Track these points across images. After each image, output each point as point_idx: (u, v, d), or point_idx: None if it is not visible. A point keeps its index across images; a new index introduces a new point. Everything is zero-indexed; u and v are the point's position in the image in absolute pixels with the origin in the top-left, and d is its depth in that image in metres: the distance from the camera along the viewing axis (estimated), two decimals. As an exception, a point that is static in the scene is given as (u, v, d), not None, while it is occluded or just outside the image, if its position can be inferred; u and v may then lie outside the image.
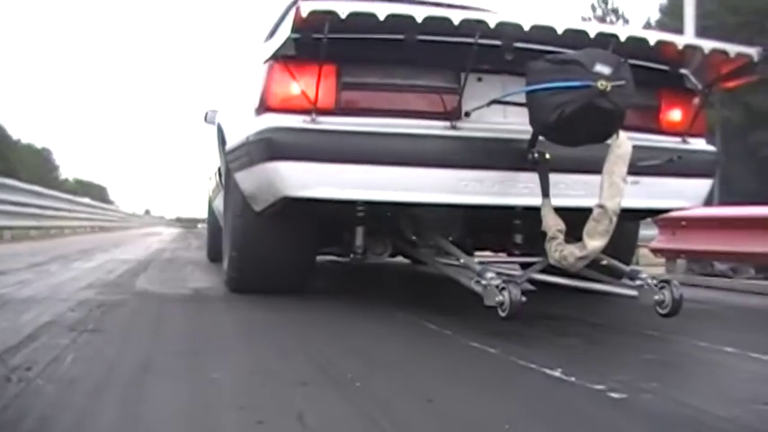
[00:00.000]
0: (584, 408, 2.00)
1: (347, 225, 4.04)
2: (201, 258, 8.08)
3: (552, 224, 3.23)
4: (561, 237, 3.20)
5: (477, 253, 4.37)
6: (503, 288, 2.94)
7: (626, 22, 47.91)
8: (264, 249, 4.08)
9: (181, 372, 2.28)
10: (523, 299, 2.90)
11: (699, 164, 3.87)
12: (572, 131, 3.04)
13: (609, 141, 3.13)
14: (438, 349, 2.87)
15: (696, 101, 3.91)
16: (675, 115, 3.91)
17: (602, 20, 44.50)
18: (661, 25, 38.03)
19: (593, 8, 46.16)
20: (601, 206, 3.08)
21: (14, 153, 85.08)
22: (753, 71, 3.56)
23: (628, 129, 3.21)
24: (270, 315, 3.63)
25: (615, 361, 2.71)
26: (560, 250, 3.17)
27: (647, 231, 9.24)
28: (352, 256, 4.08)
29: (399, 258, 4.92)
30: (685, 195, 3.93)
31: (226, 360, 2.50)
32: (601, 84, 2.86)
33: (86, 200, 28.54)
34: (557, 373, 2.36)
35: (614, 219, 3.07)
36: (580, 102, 2.89)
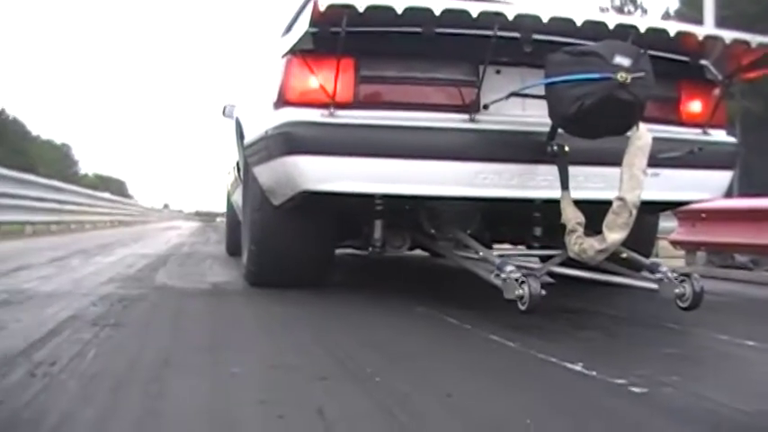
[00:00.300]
0: (606, 402, 2.00)
1: (366, 218, 4.02)
2: (220, 253, 8.11)
3: (572, 217, 3.19)
4: (581, 230, 3.17)
5: (496, 246, 4.35)
6: (522, 282, 2.93)
7: (644, 12, 47.71)
8: (283, 243, 4.07)
9: (201, 366, 2.29)
10: (543, 292, 2.89)
11: (719, 155, 3.82)
12: (591, 124, 3.02)
13: (629, 133, 3.10)
14: (457, 343, 2.87)
15: (716, 92, 3.86)
16: (696, 106, 3.86)
17: (620, 10, 44.30)
18: (680, 15, 37.84)
19: (612, -2, 45.98)
20: (621, 199, 3.05)
21: (34, 148, 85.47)
22: None
23: (648, 120, 3.18)
24: (288, 308, 3.64)
25: (636, 355, 2.70)
26: (580, 243, 3.13)
27: (667, 223, 9.19)
28: (370, 249, 4.07)
29: (418, 251, 4.91)
30: (706, 187, 3.88)
31: (245, 354, 2.51)
32: (620, 76, 2.83)
33: (106, 194, 28.66)
34: (577, 367, 2.35)
35: (634, 212, 3.04)
36: (600, 94, 2.86)
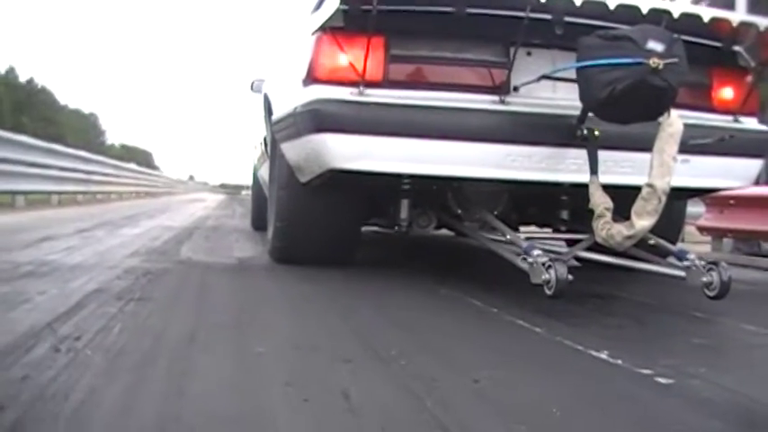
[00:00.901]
0: (632, 392, 1.97)
1: (392, 197, 4.02)
2: (246, 227, 8.13)
3: (600, 202, 3.17)
4: (609, 215, 3.15)
5: (523, 228, 4.32)
6: (549, 266, 2.89)
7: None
8: (309, 220, 4.08)
9: (226, 345, 2.28)
10: (570, 277, 2.86)
11: (750, 143, 3.78)
12: (623, 109, 2.99)
13: (660, 120, 3.07)
14: (484, 327, 2.85)
15: (749, 79, 3.82)
16: (727, 93, 3.82)
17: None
18: (712, -3, 37.31)
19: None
20: (650, 185, 3.03)
21: (62, 117, 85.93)
22: None
23: (679, 106, 3.15)
24: (314, 286, 3.63)
25: (663, 344, 2.66)
26: (607, 228, 3.11)
27: (694, 208, 9.13)
28: (396, 228, 4.08)
29: (443, 231, 4.88)
30: (736, 175, 3.86)
31: (270, 333, 2.50)
32: (653, 61, 2.80)
33: (132, 165, 28.78)
34: (603, 356, 2.33)
35: (663, 198, 3.02)
36: (632, 79, 2.84)
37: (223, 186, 67.83)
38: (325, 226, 4.10)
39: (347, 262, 4.32)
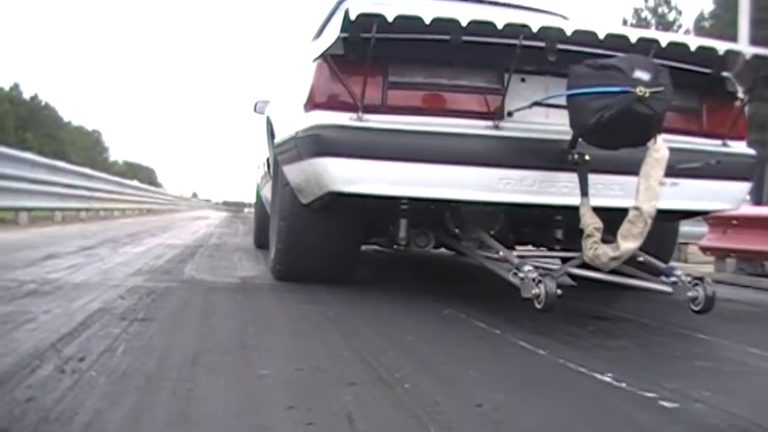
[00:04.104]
0: (635, 416, 1.97)
1: (391, 218, 4.14)
2: (248, 245, 8.15)
3: (590, 222, 3.28)
4: (598, 235, 3.26)
5: (519, 247, 4.37)
6: (539, 281, 3.02)
7: (679, 12, 47.52)
8: (310, 240, 4.22)
9: (229, 367, 2.28)
10: (559, 292, 2.97)
11: (738, 167, 3.96)
12: (611, 135, 3.11)
13: (647, 145, 3.18)
14: (487, 349, 2.85)
15: (737, 104, 3.96)
16: (716, 118, 3.95)
17: (654, 11, 44.18)
18: (714, 17, 37.50)
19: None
20: (637, 209, 3.14)
21: (66, 134, 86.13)
22: None
23: (669, 131, 3.33)
24: (317, 307, 3.63)
25: (666, 367, 2.66)
26: (594, 248, 3.23)
27: (696, 228, 9.14)
28: (395, 246, 4.21)
29: (442, 250, 4.89)
30: (724, 198, 3.98)
31: (274, 355, 2.50)
32: (639, 90, 2.94)
33: (135, 182, 28.85)
34: (607, 378, 2.33)
35: (649, 221, 3.13)
36: (619, 107, 2.96)
37: (226, 204, 67.86)
38: (325, 246, 4.25)
39: (346, 280, 4.43)
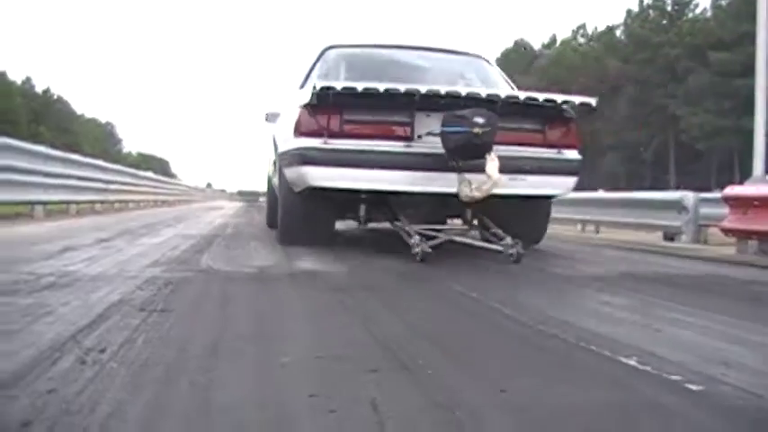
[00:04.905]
0: (662, 399, 1.96)
1: (355, 203, 6.43)
2: (264, 234, 8.16)
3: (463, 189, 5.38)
4: (466, 190, 5.34)
5: (451, 221, 7.00)
6: (419, 244, 5.25)
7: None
8: (302, 216, 6.33)
9: (249, 356, 2.29)
10: (429, 250, 5.17)
11: (568, 166, 6.02)
12: (462, 153, 5.31)
13: (485, 157, 5.23)
14: (505, 332, 2.85)
15: (571, 125, 6.02)
16: (555, 135, 5.98)
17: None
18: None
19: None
20: (489, 175, 5.22)
21: (79, 127, 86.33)
22: (594, 110, 5.86)
23: (522, 144, 5.79)
24: (335, 295, 3.65)
25: (690, 348, 2.64)
26: (464, 192, 5.35)
27: (717, 210, 9.10)
28: (359, 223, 6.66)
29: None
30: (558, 187, 6.07)
31: (294, 343, 2.51)
32: (476, 130, 5.09)
33: (149, 173, 28.81)
34: (632, 362, 2.32)
35: (485, 188, 5.22)
36: (463, 140, 5.16)
37: (240, 194, 67.77)
38: (311, 220, 6.38)
39: (326, 243, 6.33)
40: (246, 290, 3.79)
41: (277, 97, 8.51)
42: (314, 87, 5.33)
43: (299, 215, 6.30)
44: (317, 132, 5.59)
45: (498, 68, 7.38)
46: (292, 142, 5.81)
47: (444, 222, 6.26)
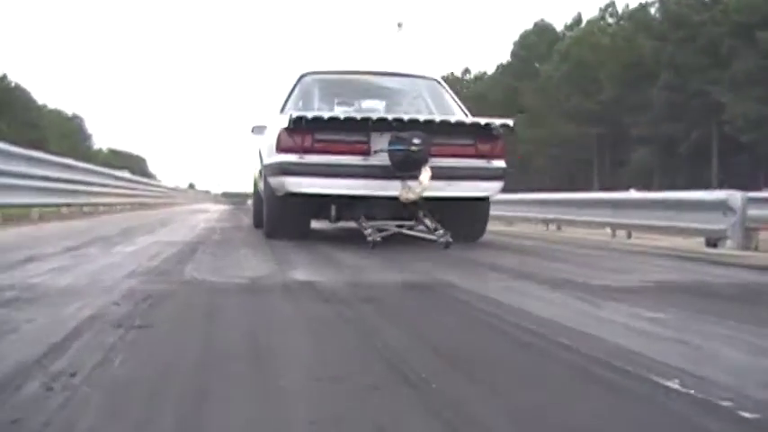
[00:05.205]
0: (713, 429, 1.93)
1: (327, 205, 8.27)
2: (255, 240, 8.23)
3: (403, 193, 7.44)
4: (405, 194, 7.41)
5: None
6: (371, 234, 7.12)
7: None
8: (283, 215, 8.35)
9: (241, 378, 2.28)
10: (379, 239, 7.05)
11: (494, 173, 8.11)
12: (403, 167, 7.33)
13: (421, 169, 7.36)
14: (516, 344, 2.88)
15: (499, 141, 8.12)
16: (485, 148, 8.05)
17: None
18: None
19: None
20: (420, 182, 7.34)
21: (43, 120, 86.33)
22: (512, 130, 8.09)
23: (458, 156, 7.86)
24: (333, 307, 3.67)
25: (739, 369, 2.61)
26: (403, 194, 7.40)
27: (763, 212, 9.08)
28: (331, 221, 8.57)
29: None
30: (486, 190, 8.16)
31: (290, 363, 2.50)
32: (413, 148, 7.19)
33: (124, 173, 28.81)
34: (673, 384, 2.29)
35: (418, 191, 7.33)
36: (403, 156, 7.25)
37: (226, 195, 67.89)
38: (290, 219, 8.39)
39: (303, 238, 8.31)
40: (236, 303, 3.79)
41: (262, 114, 11.06)
42: (290, 116, 7.56)
43: (281, 215, 8.43)
44: (293, 149, 7.73)
45: (449, 89, 9.88)
46: (274, 157, 7.96)
47: (398, 219, 8.15)
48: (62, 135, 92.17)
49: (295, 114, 7.54)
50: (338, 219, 8.55)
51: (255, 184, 11.33)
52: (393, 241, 7.69)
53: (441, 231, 7.50)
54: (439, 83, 9.93)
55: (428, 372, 2.31)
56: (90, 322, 3.06)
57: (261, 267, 5.36)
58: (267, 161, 8.38)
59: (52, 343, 2.65)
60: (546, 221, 18.33)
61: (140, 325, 3.03)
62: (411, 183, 7.40)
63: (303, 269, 5.23)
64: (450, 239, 7.28)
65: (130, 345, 2.67)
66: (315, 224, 9.32)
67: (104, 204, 20.66)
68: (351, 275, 5.05)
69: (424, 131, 7.41)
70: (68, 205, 16.16)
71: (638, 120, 64.83)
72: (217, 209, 29.37)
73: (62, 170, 16.14)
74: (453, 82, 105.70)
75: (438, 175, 7.46)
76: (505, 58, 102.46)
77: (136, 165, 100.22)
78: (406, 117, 7.57)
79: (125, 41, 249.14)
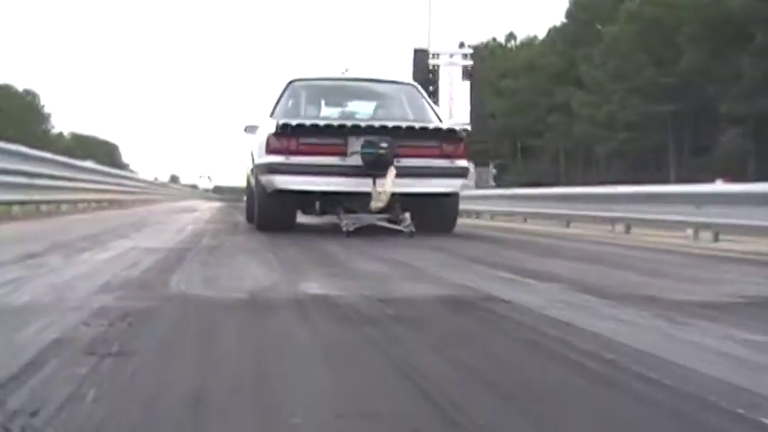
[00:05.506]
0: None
1: (312, 200, 11.32)
2: (255, 245, 8.25)
3: (375, 195, 10.53)
4: (374, 203, 10.55)
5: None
6: (346, 224, 10.47)
7: None
8: (272, 208, 11.22)
9: (247, 416, 2.26)
10: (352, 229, 10.38)
11: (456, 172, 11.29)
12: (372, 167, 10.51)
13: (388, 169, 10.55)
14: (587, 376, 2.87)
15: (461, 143, 11.12)
16: (449, 149, 11.00)
17: None
18: None
19: None
20: (383, 190, 10.41)
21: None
22: (469, 134, 12.30)
23: (425, 157, 11.04)
24: (356, 327, 3.68)
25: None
26: (373, 202, 10.52)
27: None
28: (316, 214, 12.08)
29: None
30: (449, 186, 11.20)
31: (305, 397, 2.48)
32: (380, 151, 10.45)
33: (89, 163, 28.69)
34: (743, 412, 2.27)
35: (384, 197, 10.40)
36: (373, 158, 10.49)
37: (218, 190, 68.26)
38: (279, 212, 11.25)
39: (290, 229, 11.30)
40: (236, 324, 3.77)
41: (254, 114, 14.64)
42: (278, 123, 10.59)
43: (271, 208, 11.42)
44: (280, 151, 10.60)
45: (425, 93, 13.71)
46: (264, 158, 10.91)
47: (373, 212, 10.84)
48: (13, 117, 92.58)
49: (282, 122, 10.71)
50: (322, 212, 12.05)
51: (248, 181, 14.59)
52: (412, 246, 9.24)
53: (407, 222, 10.76)
54: (416, 88, 13.95)
55: (484, 414, 2.28)
56: (55, 348, 3.03)
57: (263, 277, 5.36)
58: (258, 161, 11.50)
59: (7, 375, 2.62)
60: (611, 221, 17.98)
61: (117, 352, 3.00)
62: (379, 180, 10.56)
63: (314, 279, 5.27)
64: (414, 229, 10.62)
65: (106, 377, 2.64)
66: (306, 220, 13.31)
67: (67, 202, 20.66)
68: (373, 287, 5.06)
69: (393, 136, 10.65)
70: (22, 203, 16.13)
71: (726, 94, 64.24)
72: (207, 207, 29.63)
73: (14, 160, 15.96)
74: (494, 49, 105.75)
75: (406, 173, 10.74)
76: (559, 19, 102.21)
77: (105, 153, 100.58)
78: (376, 124, 11.05)
79: (91, 9, 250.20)
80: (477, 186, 30.05)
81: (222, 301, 4.35)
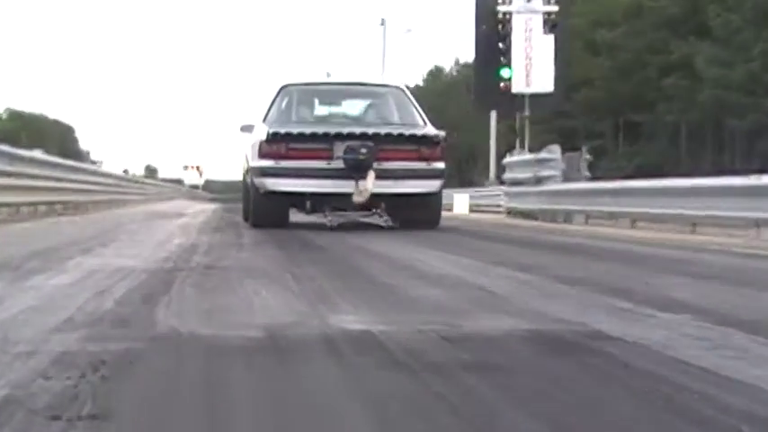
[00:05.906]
0: None
1: (303, 199, 18.39)
2: (265, 264, 8.21)
3: (357, 192, 17.69)
4: (355, 197, 17.75)
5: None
6: (332, 219, 18.22)
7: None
8: (266, 207, 18.41)
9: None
10: (336, 225, 17.91)
11: (433, 173, 18.46)
12: (354, 170, 17.51)
13: (367, 171, 17.51)
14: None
15: (438, 146, 18.50)
16: (426, 153, 18.22)
17: None
18: None
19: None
20: (364, 189, 17.44)
21: None
22: (445, 140, 19.16)
23: (404, 160, 18.29)
24: (411, 378, 3.64)
25: None
26: (354, 197, 17.69)
27: None
28: (307, 213, 18.97)
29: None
30: (427, 187, 18.24)
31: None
32: (360, 156, 17.42)
33: (37, 153, 28.57)
34: None
35: (366, 195, 17.43)
36: (354, 162, 17.53)
37: (209, 187, 68.58)
38: (272, 210, 18.41)
39: (282, 226, 17.79)
40: (249, 374, 3.73)
41: (249, 114, 21.25)
42: (268, 131, 16.78)
43: (264, 207, 17.32)
44: (271, 156, 16.66)
45: (411, 96, 19.73)
46: (257, 161, 16.96)
47: (358, 210, 16.71)
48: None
49: (272, 130, 16.59)
50: (312, 210, 17.88)
51: (244, 180, 20.85)
52: (474, 271, 8.75)
53: (386, 218, 16.67)
54: (403, 91, 20.30)
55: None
56: (4, 411, 2.99)
57: (284, 307, 5.34)
58: (252, 164, 17.57)
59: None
60: (756, 223, 17.23)
61: (90, 415, 2.95)
62: (361, 182, 16.00)
63: (350, 309, 5.24)
64: (392, 223, 16.64)
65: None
66: (298, 218, 18.98)
67: (4, 205, 20.67)
68: (433, 320, 5.02)
69: (374, 141, 16.28)
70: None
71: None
72: (198, 209, 29.64)
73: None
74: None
75: (386, 175, 16.42)
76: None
77: (57, 137, 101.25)
78: (357, 131, 16.86)
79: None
80: (567, 178, 28.32)
81: (228, 341, 4.30)
